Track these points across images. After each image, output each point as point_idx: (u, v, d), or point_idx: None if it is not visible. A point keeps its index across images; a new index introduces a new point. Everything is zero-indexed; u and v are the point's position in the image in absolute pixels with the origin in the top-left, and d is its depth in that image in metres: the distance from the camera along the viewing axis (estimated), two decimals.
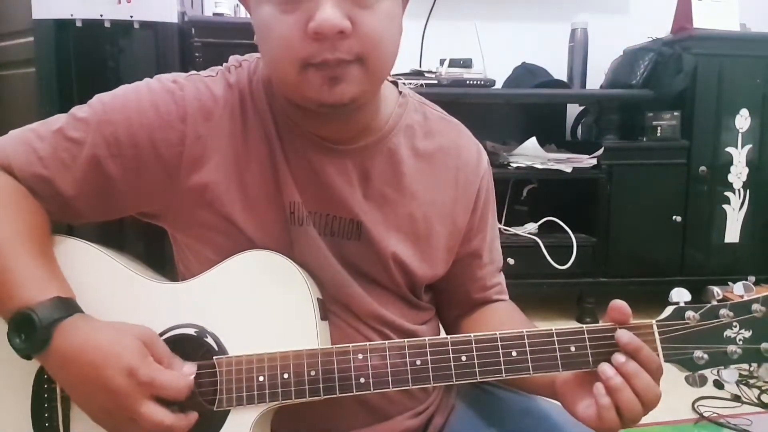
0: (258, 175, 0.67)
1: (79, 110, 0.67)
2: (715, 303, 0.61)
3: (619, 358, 0.59)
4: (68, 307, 0.58)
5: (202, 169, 0.66)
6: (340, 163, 0.68)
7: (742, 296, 0.61)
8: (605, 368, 0.59)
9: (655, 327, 0.60)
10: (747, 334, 0.60)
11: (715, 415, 1.50)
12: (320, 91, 0.58)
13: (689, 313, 0.60)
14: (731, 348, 0.59)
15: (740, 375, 0.63)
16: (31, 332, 0.56)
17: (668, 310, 0.61)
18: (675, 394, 1.49)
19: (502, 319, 0.77)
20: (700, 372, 0.60)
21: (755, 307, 0.60)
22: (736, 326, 0.60)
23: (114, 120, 0.65)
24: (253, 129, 0.67)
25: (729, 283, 0.63)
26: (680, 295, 0.61)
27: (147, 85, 0.68)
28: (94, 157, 0.64)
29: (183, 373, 0.59)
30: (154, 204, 0.69)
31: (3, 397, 0.63)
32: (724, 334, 0.60)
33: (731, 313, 0.60)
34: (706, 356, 0.60)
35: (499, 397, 0.77)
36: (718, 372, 0.61)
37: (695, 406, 1.54)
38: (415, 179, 0.72)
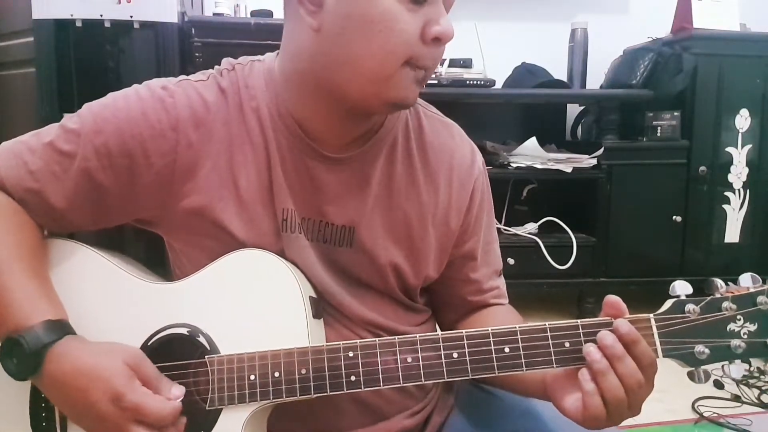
0: (252, 181, 0.66)
1: (69, 121, 0.66)
2: (717, 296, 0.59)
3: (606, 338, 0.57)
4: (58, 329, 0.58)
5: (195, 176, 0.65)
6: (336, 169, 0.68)
7: (748, 288, 0.58)
8: (591, 350, 0.57)
9: (652, 321, 0.59)
10: (752, 327, 0.58)
11: (715, 415, 1.49)
12: (407, 90, 0.61)
13: (689, 306, 0.58)
14: (735, 342, 0.58)
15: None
16: (22, 358, 0.56)
17: (668, 304, 0.59)
18: (675, 394, 1.50)
19: (498, 322, 0.76)
20: (703, 367, 0.58)
21: (761, 299, 0.58)
22: (740, 319, 0.58)
23: (104, 130, 0.64)
24: (247, 134, 0.66)
25: (729, 283, 0.61)
26: (682, 287, 0.59)
27: (136, 93, 0.66)
28: (85, 169, 0.64)
29: (171, 395, 0.59)
30: (148, 212, 0.68)
31: (1, 399, 0.62)
32: (728, 327, 0.58)
33: (734, 306, 0.58)
34: (707, 351, 0.58)
35: (498, 398, 0.76)
36: (723, 368, 0.59)
37: (695, 406, 1.53)
38: (409, 182, 0.71)
